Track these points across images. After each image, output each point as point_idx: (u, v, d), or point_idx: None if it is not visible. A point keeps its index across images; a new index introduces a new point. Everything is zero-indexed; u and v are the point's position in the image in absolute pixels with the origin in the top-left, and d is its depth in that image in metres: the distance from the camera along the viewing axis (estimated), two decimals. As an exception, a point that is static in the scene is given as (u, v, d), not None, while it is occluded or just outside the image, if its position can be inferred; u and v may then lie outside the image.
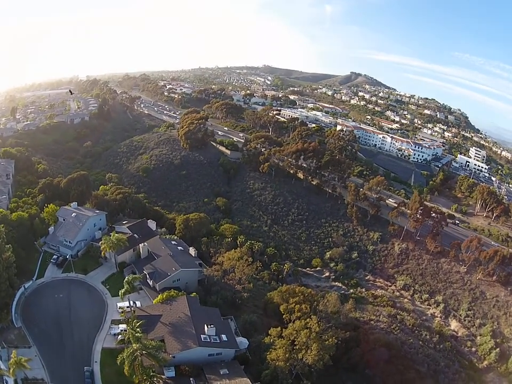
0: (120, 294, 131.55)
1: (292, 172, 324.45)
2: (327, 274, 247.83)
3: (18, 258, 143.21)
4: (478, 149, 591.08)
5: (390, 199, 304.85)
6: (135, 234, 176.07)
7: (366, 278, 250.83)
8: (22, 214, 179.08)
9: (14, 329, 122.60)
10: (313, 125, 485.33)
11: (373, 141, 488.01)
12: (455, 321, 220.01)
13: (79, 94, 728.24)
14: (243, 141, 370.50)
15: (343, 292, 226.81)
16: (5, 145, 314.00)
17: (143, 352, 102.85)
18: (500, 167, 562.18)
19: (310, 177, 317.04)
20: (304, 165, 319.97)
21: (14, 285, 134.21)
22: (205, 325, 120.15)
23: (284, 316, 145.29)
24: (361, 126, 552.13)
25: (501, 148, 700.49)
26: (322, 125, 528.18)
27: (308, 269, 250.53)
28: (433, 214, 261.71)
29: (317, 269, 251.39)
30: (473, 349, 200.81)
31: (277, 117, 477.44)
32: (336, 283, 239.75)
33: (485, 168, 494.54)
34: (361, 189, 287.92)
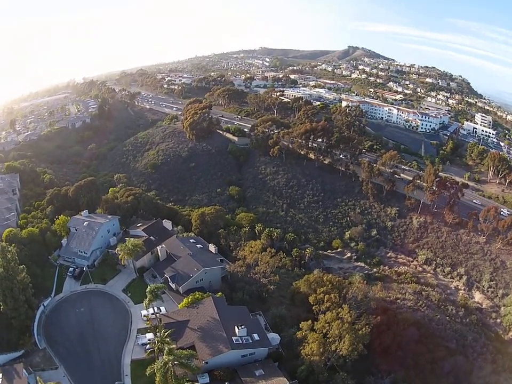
0: (144, 303, 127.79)
1: (302, 153, 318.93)
2: (348, 255, 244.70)
3: (33, 276, 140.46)
4: (484, 114, 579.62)
5: (403, 174, 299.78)
6: (151, 237, 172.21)
7: (388, 255, 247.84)
8: (33, 229, 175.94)
9: (39, 351, 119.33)
10: (318, 103, 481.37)
11: (379, 114, 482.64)
12: (479, 293, 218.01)
13: (78, 97, 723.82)
14: (249, 125, 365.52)
15: (366, 272, 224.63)
16: (8, 159, 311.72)
17: (175, 362, 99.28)
18: (506, 132, 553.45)
19: (321, 157, 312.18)
20: (315, 145, 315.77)
21: (33, 306, 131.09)
22: (235, 326, 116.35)
23: (313, 307, 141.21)
24: (366, 99, 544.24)
25: (506, 112, 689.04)
26: (327, 101, 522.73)
27: (328, 251, 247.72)
28: (449, 185, 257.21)
29: (338, 250, 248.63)
30: (498, 320, 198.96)
31: (281, 98, 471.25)
32: (359, 263, 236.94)
33: (493, 134, 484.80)
34: (374, 165, 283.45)
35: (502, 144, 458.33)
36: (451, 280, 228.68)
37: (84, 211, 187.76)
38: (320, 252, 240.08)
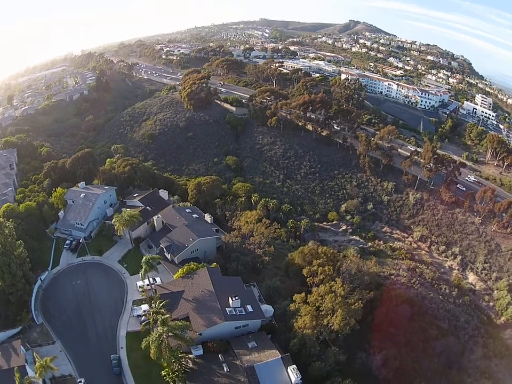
0: (140, 274, 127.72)
1: (300, 124, 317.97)
2: (344, 227, 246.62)
3: (30, 250, 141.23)
4: (484, 96, 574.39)
5: (400, 149, 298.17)
6: (147, 207, 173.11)
7: (383, 230, 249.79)
8: (30, 203, 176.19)
9: (36, 326, 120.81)
10: (317, 75, 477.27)
11: (379, 88, 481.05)
12: (472, 274, 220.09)
13: (75, 69, 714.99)
14: (248, 96, 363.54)
15: (361, 245, 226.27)
16: (5, 134, 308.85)
17: (169, 334, 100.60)
18: (506, 115, 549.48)
19: (319, 129, 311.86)
20: (313, 117, 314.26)
21: (30, 280, 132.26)
22: (229, 297, 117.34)
23: (307, 280, 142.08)
24: (365, 73, 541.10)
25: (507, 96, 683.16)
26: (326, 74, 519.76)
27: (324, 223, 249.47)
28: (446, 163, 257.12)
29: (334, 222, 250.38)
30: (491, 304, 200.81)
31: (280, 69, 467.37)
32: (354, 237, 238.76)
33: (493, 116, 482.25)
34: (372, 139, 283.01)
35: (501, 126, 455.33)
36: (445, 259, 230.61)
37: (81, 183, 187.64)
38: (315, 223, 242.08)
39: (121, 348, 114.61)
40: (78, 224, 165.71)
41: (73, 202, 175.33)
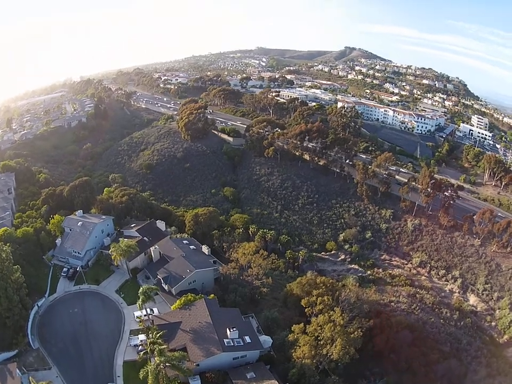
0: (137, 304, 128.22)
1: (297, 154, 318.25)
2: (342, 257, 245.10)
3: (27, 276, 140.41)
4: (480, 116, 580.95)
5: (398, 176, 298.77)
6: (144, 238, 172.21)
7: (382, 257, 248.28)
8: (27, 229, 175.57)
9: (32, 351, 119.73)
10: (314, 104, 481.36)
11: (375, 115, 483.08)
12: (474, 296, 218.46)
13: (74, 96, 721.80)
14: (245, 126, 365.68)
15: (360, 274, 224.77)
16: (4, 158, 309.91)
17: (167, 364, 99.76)
18: (503, 134, 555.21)
19: (316, 158, 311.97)
20: (310, 146, 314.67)
21: (27, 306, 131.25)
22: (227, 329, 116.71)
23: (305, 310, 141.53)
24: (361, 101, 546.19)
25: (502, 114, 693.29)
26: (323, 102, 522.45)
27: (322, 253, 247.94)
28: (444, 188, 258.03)
29: (332, 252, 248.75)
30: (493, 324, 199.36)
31: (277, 98, 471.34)
32: (353, 265, 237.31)
33: (489, 136, 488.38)
34: (369, 167, 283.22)
35: (498, 146, 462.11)
36: (446, 283, 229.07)
37: (78, 211, 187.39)
38: (314, 254, 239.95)
39: (118, 376, 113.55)
40: (75, 252, 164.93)
41: (70, 230, 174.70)
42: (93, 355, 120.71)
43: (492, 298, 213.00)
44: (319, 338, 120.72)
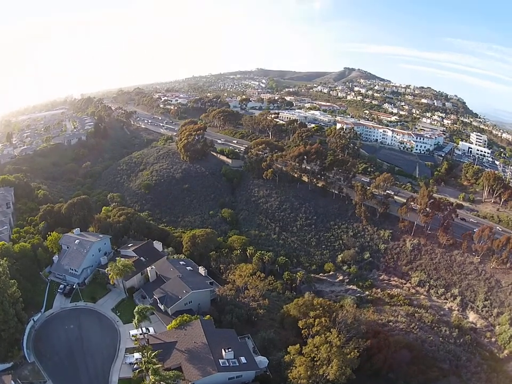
0: (133, 323, 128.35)
1: (296, 175, 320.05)
2: (340, 278, 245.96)
3: (24, 291, 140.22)
4: (479, 134, 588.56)
5: (397, 196, 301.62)
6: (141, 258, 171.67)
7: (380, 277, 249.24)
8: (25, 245, 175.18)
9: (28, 364, 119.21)
10: (313, 125, 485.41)
11: (374, 136, 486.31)
12: (473, 313, 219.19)
13: (74, 113, 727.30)
14: (243, 147, 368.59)
15: (358, 294, 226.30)
16: (3, 172, 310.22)
17: (161, 383, 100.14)
18: (502, 150, 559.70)
19: (315, 180, 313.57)
20: (308, 168, 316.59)
21: (23, 320, 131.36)
22: (223, 349, 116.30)
23: (302, 331, 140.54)
24: (360, 121, 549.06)
25: (501, 131, 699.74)
26: (322, 124, 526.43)
27: (320, 274, 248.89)
28: (443, 207, 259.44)
29: (330, 273, 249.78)
30: (493, 339, 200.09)
31: (276, 120, 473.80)
32: (351, 286, 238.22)
33: (488, 153, 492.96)
34: (368, 188, 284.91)
35: (497, 163, 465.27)
36: (445, 301, 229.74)
37: (76, 229, 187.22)
38: (312, 275, 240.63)
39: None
40: (72, 269, 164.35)
41: (67, 247, 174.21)
42: (88, 371, 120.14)
43: (492, 314, 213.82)
44: (315, 359, 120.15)
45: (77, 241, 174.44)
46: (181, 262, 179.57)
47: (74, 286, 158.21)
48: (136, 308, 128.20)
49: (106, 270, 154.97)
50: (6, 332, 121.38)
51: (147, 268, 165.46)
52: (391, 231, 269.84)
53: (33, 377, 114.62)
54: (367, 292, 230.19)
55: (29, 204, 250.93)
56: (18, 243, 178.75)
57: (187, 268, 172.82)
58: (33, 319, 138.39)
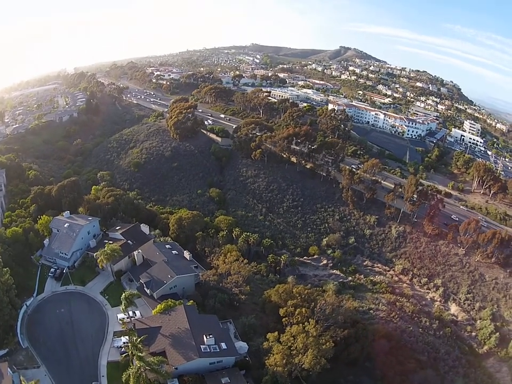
0: (121, 307, 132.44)
1: (284, 156, 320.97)
2: (324, 262, 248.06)
3: (16, 276, 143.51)
4: (473, 122, 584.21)
5: (385, 182, 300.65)
6: (129, 241, 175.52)
7: (364, 263, 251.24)
8: (17, 229, 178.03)
9: (22, 350, 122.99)
10: (305, 104, 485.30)
11: (365, 118, 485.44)
12: (455, 305, 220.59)
13: (67, 88, 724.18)
14: (233, 125, 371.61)
15: (341, 280, 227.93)
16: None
17: (146, 368, 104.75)
18: (495, 140, 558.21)
19: (303, 161, 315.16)
20: (297, 149, 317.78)
21: (16, 306, 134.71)
22: (204, 335, 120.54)
23: (283, 320, 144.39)
24: (353, 103, 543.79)
25: (495, 120, 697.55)
26: (314, 103, 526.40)
27: (305, 257, 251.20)
28: (430, 196, 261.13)
29: (314, 257, 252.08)
30: (473, 334, 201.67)
31: (267, 98, 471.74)
32: (334, 271, 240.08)
33: (481, 142, 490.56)
34: (356, 172, 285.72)
35: (489, 153, 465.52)
36: (427, 291, 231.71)
37: (66, 212, 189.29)
38: (296, 258, 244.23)
39: (103, 376, 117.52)
40: (62, 253, 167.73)
41: (57, 231, 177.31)
42: (79, 354, 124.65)
43: (474, 308, 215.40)
44: (291, 348, 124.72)
45: (66, 224, 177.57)
46: (167, 246, 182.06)
47: (64, 270, 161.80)
48: (123, 294, 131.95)
49: (95, 255, 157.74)
50: (0, 319, 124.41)
51: (134, 252, 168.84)
52: (377, 216, 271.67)
53: (27, 363, 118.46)
54: (350, 278, 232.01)
55: (20, 186, 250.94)
56: (10, 228, 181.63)
57: (172, 251, 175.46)
58: (26, 303, 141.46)
